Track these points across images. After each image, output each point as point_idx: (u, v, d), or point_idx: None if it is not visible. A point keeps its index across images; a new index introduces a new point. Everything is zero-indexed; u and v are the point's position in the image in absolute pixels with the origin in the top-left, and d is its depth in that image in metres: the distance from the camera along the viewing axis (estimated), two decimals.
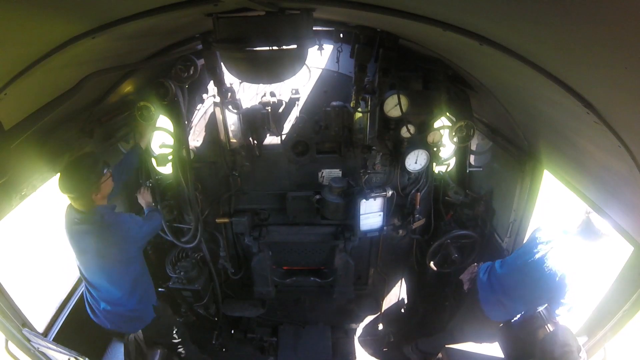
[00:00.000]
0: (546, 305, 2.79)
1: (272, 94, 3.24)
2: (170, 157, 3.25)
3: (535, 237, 2.87)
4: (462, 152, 3.76)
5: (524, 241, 3.04)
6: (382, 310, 4.64)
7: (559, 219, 2.97)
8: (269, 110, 3.17)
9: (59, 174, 2.41)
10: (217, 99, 3.08)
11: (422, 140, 3.27)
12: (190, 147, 3.28)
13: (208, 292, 4.02)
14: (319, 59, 3.23)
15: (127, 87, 2.90)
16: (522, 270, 2.89)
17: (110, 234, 2.57)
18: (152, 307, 3.01)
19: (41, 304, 3.03)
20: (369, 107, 3.07)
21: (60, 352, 2.24)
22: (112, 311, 2.78)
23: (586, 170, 2.13)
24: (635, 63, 1.02)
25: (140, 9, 1.47)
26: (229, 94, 3.02)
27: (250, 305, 4.43)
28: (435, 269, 3.65)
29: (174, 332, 3.39)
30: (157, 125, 3.14)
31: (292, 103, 3.33)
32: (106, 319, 2.81)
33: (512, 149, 2.99)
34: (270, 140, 3.46)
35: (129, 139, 3.41)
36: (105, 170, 2.53)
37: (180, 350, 3.50)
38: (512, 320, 3.04)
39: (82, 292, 3.01)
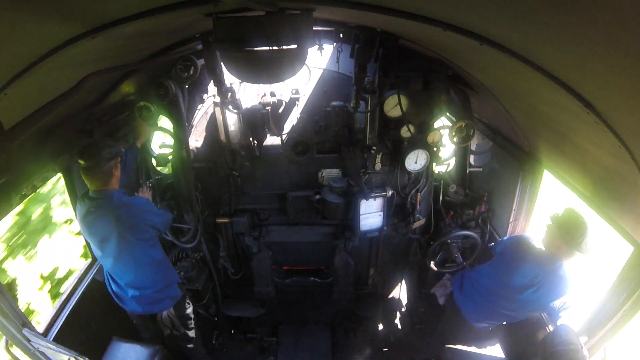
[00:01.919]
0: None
1: (272, 94, 3.24)
2: (170, 157, 3.25)
3: (515, 266, 2.66)
4: (462, 152, 3.76)
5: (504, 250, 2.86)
6: (382, 310, 4.64)
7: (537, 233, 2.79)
8: (269, 110, 3.17)
9: (79, 151, 2.44)
10: (217, 99, 3.08)
11: (422, 140, 3.26)
12: (190, 147, 3.28)
13: (208, 292, 4.02)
14: (319, 59, 3.23)
15: (127, 87, 2.90)
16: (507, 299, 2.73)
17: (129, 213, 2.60)
18: (177, 285, 3.08)
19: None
20: (369, 107, 3.07)
21: (60, 352, 2.24)
22: (141, 295, 2.85)
23: (586, 170, 2.13)
24: (635, 63, 1.02)
25: (140, 9, 1.48)
26: (229, 94, 3.02)
27: (250, 305, 4.43)
28: (435, 269, 3.64)
29: (192, 322, 3.40)
30: (158, 125, 3.14)
31: (292, 103, 3.33)
32: (137, 305, 2.89)
33: (512, 149, 2.99)
34: (271, 140, 3.46)
35: (129, 139, 3.42)
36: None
37: (190, 347, 3.48)
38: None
39: (83, 292, 3.01)
